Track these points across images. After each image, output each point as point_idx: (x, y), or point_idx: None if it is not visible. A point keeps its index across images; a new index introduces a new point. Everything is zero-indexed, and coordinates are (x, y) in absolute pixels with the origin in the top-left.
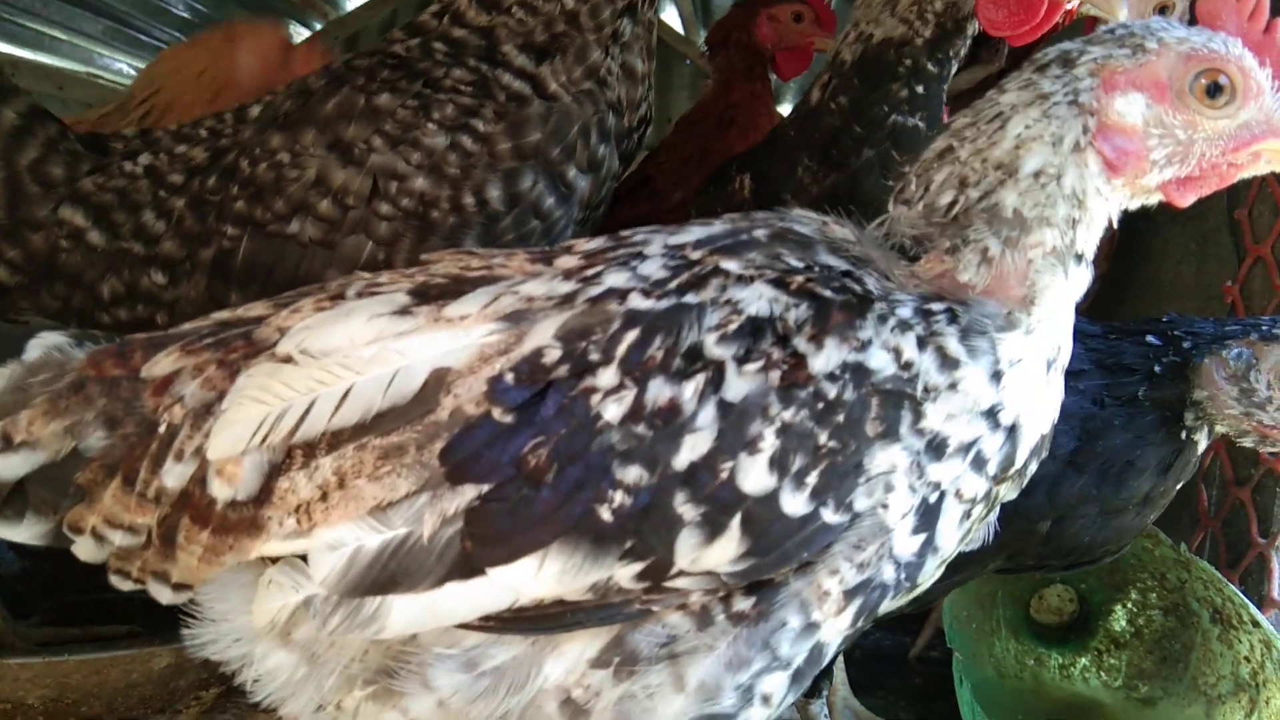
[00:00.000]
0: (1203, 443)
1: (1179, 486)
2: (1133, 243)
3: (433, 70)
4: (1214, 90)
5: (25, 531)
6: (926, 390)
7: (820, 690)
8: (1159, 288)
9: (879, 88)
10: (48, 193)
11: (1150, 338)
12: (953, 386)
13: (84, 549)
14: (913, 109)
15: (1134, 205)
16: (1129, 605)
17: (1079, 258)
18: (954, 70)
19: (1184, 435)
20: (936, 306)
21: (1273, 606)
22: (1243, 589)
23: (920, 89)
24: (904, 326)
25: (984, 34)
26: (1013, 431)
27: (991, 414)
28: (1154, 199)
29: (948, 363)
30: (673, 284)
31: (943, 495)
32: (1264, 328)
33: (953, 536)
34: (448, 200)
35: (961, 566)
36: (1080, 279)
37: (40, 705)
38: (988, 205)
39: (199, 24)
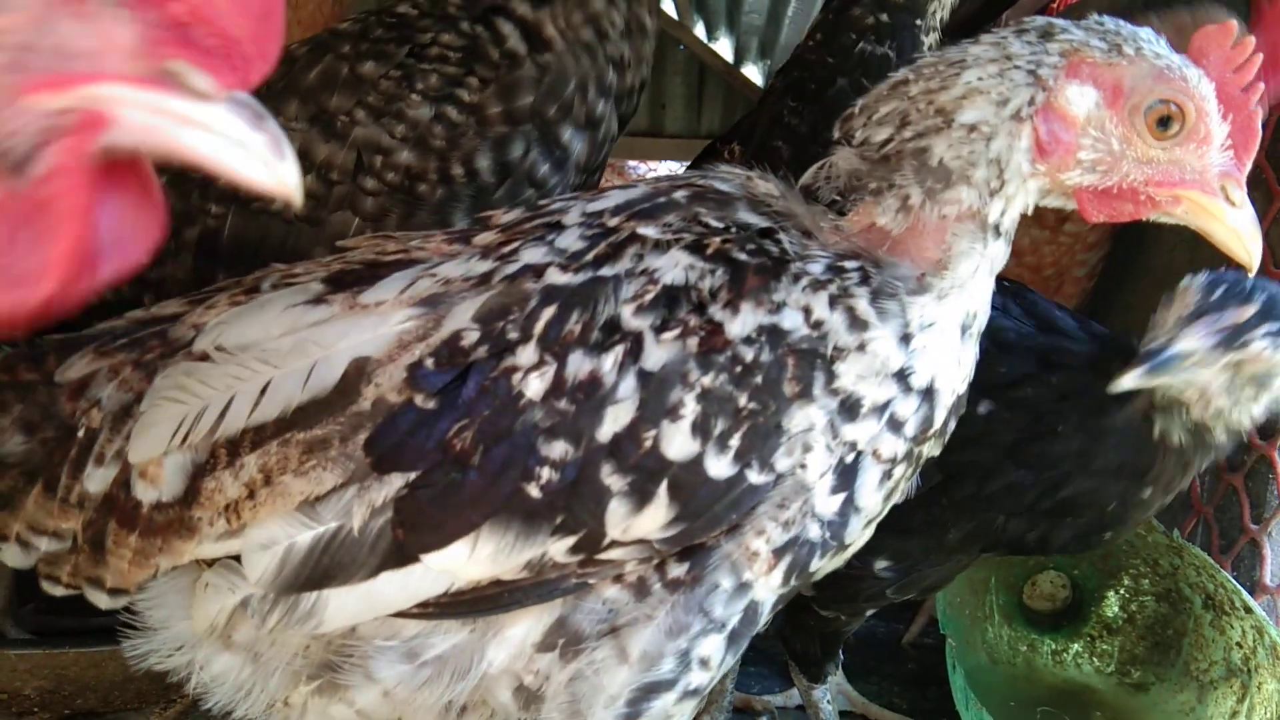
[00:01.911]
0: (1176, 433)
1: (1165, 500)
2: (1127, 227)
3: (419, 35)
4: (1165, 121)
5: None
6: (837, 350)
7: (825, 676)
8: (1152, 274)
9: (844, 13)
10: None
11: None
12: (861, 347)
13: (10, 555)
14: (879, 37)
15: (1047, 202)
16: (1121, 591)
17: (996, 230)
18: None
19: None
20: (850, 265)
21: (1265, 592)
22: (1235, 575)
23: (884, 17)
24: (816, 285)
25: (978, 23)
26: (928, 394)
27: (902, 376)
28: (1069, 204)
29: (857, 323)
30: (589, 255)
31: (860, 455)
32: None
33: (874, 497)
34: (435, 172)
35: (946, 556)
36: (998, 253)
37: (36, 696)
38: (918, 148)
39: None
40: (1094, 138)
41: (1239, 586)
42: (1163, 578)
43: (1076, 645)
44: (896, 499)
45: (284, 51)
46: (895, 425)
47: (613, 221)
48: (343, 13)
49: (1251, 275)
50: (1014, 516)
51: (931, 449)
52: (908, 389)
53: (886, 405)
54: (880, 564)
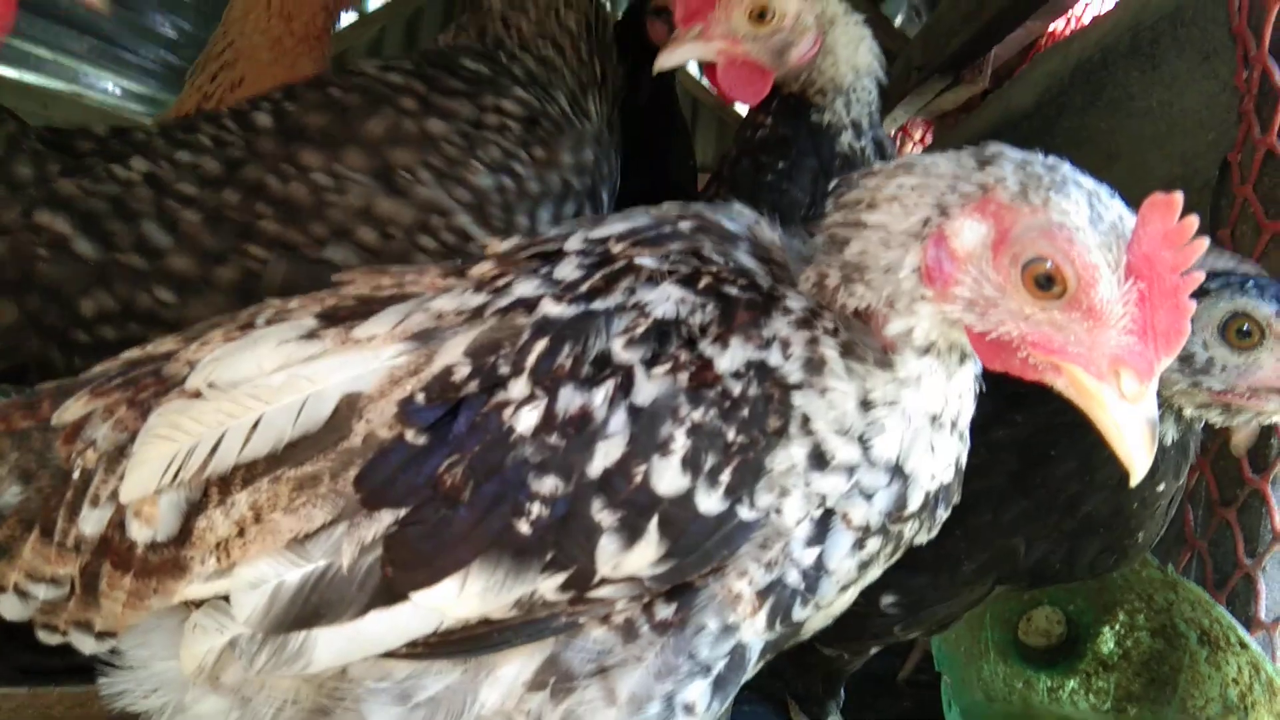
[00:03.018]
0: (1172, 434)
1: (1179, 484)
2: None
3: (484, 97)
4: (1046, 281)
5: None
6: (808, 386)
7: (826, 716)
8: None
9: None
10: (15, 194)
11: None
12: (824, 392)
13: (8, 607)
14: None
15: (943, 335)
16: (1117, 627)
17: (923, 349)
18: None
19: None
20: (827, 315)
21: (1260, 628)
22: (1230, 610)
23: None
24: (796, 324)
25: (967, 55)
26: (899, 473)
27: (864, 443)
28: (958, 336)
29: (823, 368)
30: (583, 288)
31: (831, 515)
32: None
33: (846, 562)
34: (490, 236)
35: (957, 591)
36: (931, 370)
37: None
38: (844, 236)
39: (184, 44)
40: (973, 276)
41: (1234, 622)
42: (1158, 613)
43: (1072, 682)
44: (875, 572)
45: (318, 94)
46: (865, 494)
47: (616, 248)
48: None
49: (1132, 484)
50: (1036, 540)
51: (919, 534)
52: (871, 462)
53: (853, 468)
54: (887, 600)
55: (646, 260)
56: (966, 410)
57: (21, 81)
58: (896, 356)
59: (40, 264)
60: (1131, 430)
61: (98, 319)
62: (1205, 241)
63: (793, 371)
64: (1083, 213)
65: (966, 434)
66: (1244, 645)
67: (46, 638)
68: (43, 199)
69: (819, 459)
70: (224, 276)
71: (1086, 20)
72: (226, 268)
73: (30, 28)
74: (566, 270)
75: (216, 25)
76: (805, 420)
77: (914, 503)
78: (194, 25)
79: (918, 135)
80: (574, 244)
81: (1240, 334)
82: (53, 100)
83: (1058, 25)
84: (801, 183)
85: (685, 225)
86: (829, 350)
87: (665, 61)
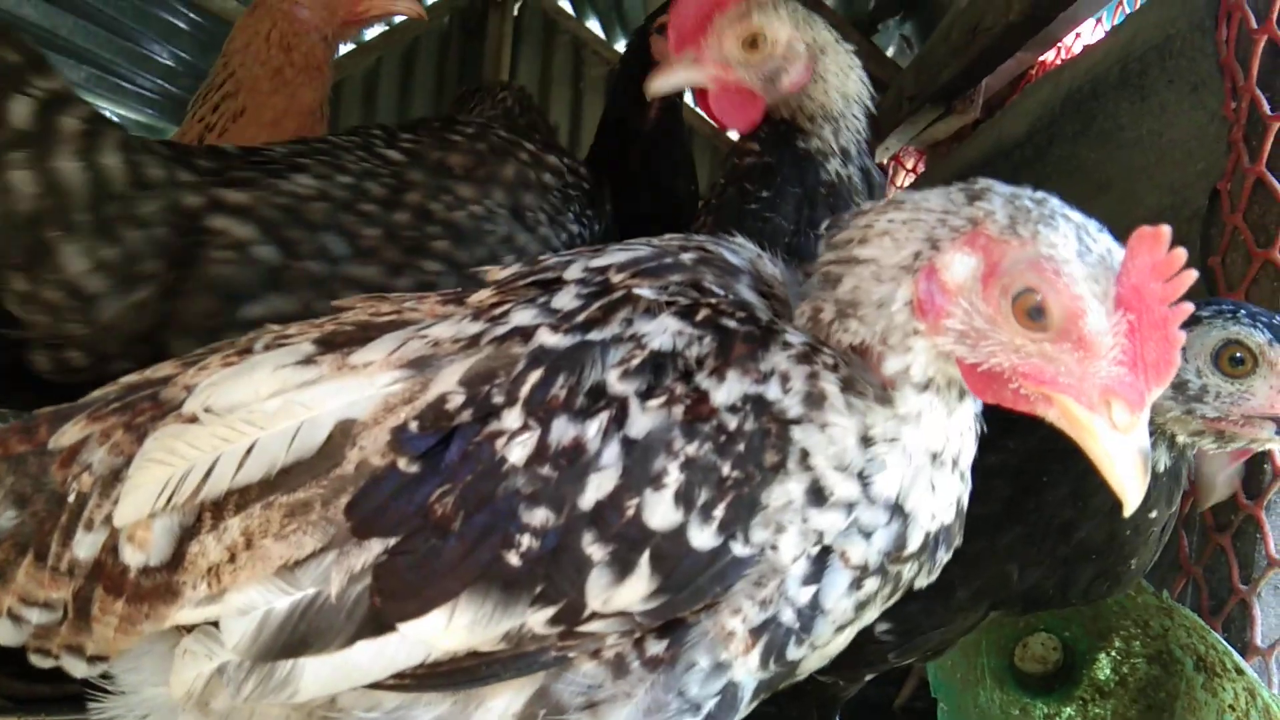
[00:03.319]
0: (1165, 460)
1: (1172, 511)
2: None
3: (562, 161)
4: (1037, 311)
5: None
6: (807, 421)
7: None
8: None
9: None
10: (147, 192)
11: None
12: (823, 427)
13: (2, 632)
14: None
15: (941, 370)
16: (1113, 653)
17: (922, 385)
18: None
19: None
20: (826, 350)
21: (1256, 654)
22: (1226, 636)
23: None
24: (797, 358)
25: (959, 86)
26: (898, 512)
27: (863, 480)
28: (950, 369)
29: (823, 403)
30: (580, 318)
31: (829, 552)
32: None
33: (843, 602)
34: None
35: (952, 618)
36: (930, 407)
37: None
38: (837, 274)
39: (183, 72)
40: (963, 308)
41: (1230, 648)
42: (1154, 639)
43: (1069, 709)
44: (871, 614)
45: (449, 137)
46: (864, 532)
47: (616, 278)
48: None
49: (1125, 514)
50: (1030, 566)
51: (918, 577)
52: (870, 499)
53: (852, 505)
54: (881, 627)
55: (645, 291)
56: (968, 449)
57: None
58: (896, 393)
59: (215, 265)
60: (1124, 460)
61: (265, 320)
62: (1194, 274)
63: (792, 406)
64: (1070, 245)
65: (968, 473)
66: (1240, 671)
67: (39, 661)
68: (215, 207)
69: (817, 495)
70: (402, 285)
71: (1076, 51)
72: (404, 278)
73: None
74: (565, 300)
75: (214, 54)
76: (804, 455)
77: (914, 543)
78: (192, 54)
79: (910, 164)
80: (573, 273)
81: (1233, 361)
82: None
83: (1048, 56)
84: (785, 210)
85: (687, 257)
86: (829, 385)
87: (658, 86)
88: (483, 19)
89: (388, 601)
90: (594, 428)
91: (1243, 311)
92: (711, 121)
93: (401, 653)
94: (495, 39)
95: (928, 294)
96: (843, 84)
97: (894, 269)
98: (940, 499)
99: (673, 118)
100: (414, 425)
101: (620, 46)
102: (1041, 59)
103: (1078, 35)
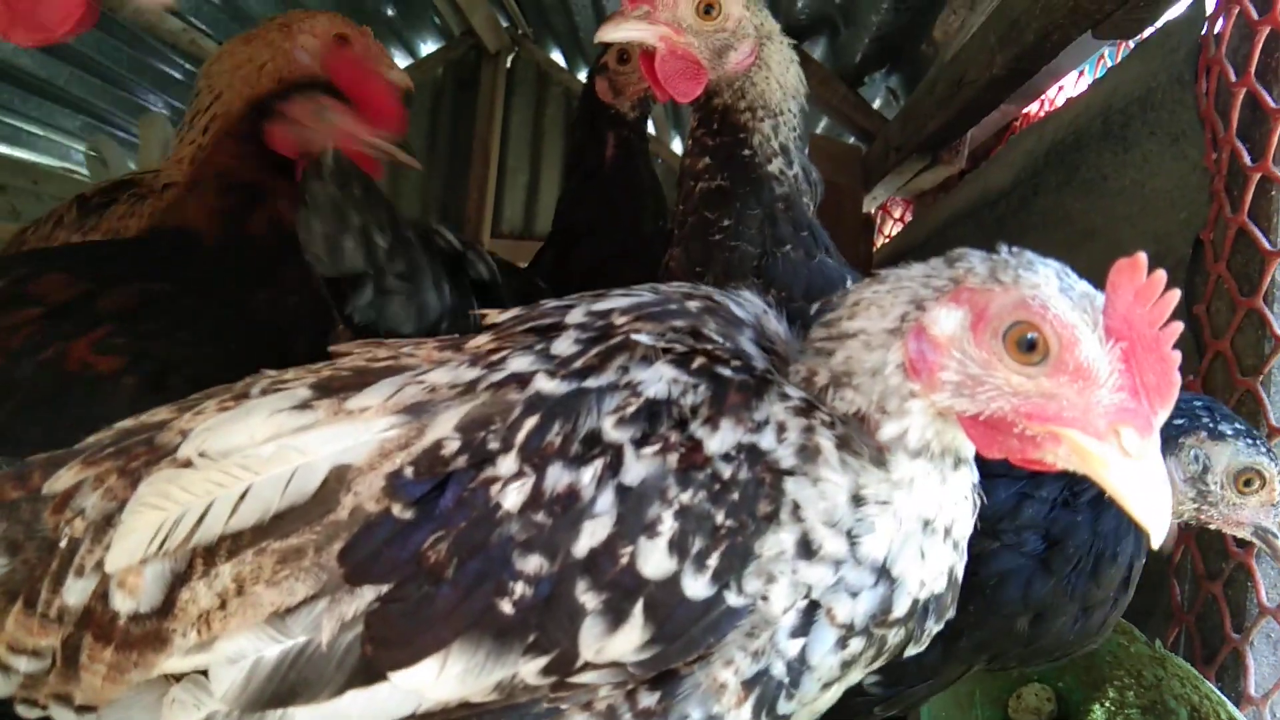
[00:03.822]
0: None
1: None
2: None
3: None
4: (1030, 345)
5: None
6: (801, 474)
7: None
8: None
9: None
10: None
11: None
12: (816, 481)
13: None
14: (710, 174)
15: (938, 434)
16: (1107, 704)
17: (915, 451)
18: None
19: None
20: (822, 408)
21: (1250, 703)
22: (1219, 685)
23: (706, 159)
24: (794, 411)
25: (944, 137)
26: (885, 575)
27: (851, 539)
28: (951, 429)
29: (817, 457)
30: (577, 364)
31: (816, 607)
32: (1205, 420)
33: (828, 659)
34: None
35: (941, 668)
36: (924, 473)
37: None
38: (826, 349)
39: (176, 120)
40: (957, 359)
41: (1224, 698)
42: (1147, 689)
43: None
44: (856, 675)
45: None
46: (850, 591)
47: (619, 321)
48: (355, 48)
49: (1153, 546)
50: (1057, 615)
51: (908, 645)
52: (857, 560)
53: (840, 562)
54: (870, 679)
55: (644, 337)
56: (963, 519)
57: (14, 158)
58: (890, 457)
59: None
60: (1141, 488)
61: None
62: (1177, 294)
63: (786, 457)
64: (1052, 284)
65: (964, 545)
66: None
67: (26, 712)
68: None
69: (806, 548)
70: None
71: (1060, 103)
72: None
73: (24, 105)
74: (563, 345)
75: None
76: (795, 507)
77: (900, 608)
78: (186, 103)
79: (897, 214)
80: (575, 317)
81: (1247, 483)
82: (44, 176)
83: (1032, 108)
84: (749, 235)
85: (692, 305)
86: (824, 440)
87: (606, 34)
88: (476, 71)
89: (379, 650)
90: (589, 475)
91: (1260, 442)
92: (653, 88)
93: (392, 703)
94: (488, 91)
95: (918, 353)
96: (783, 75)
97: (883, 334)
98: (930, 567)
99: (634, 155)
100: (409, 471)
101: None
102: (1025, 111)
103: (1060, 88)
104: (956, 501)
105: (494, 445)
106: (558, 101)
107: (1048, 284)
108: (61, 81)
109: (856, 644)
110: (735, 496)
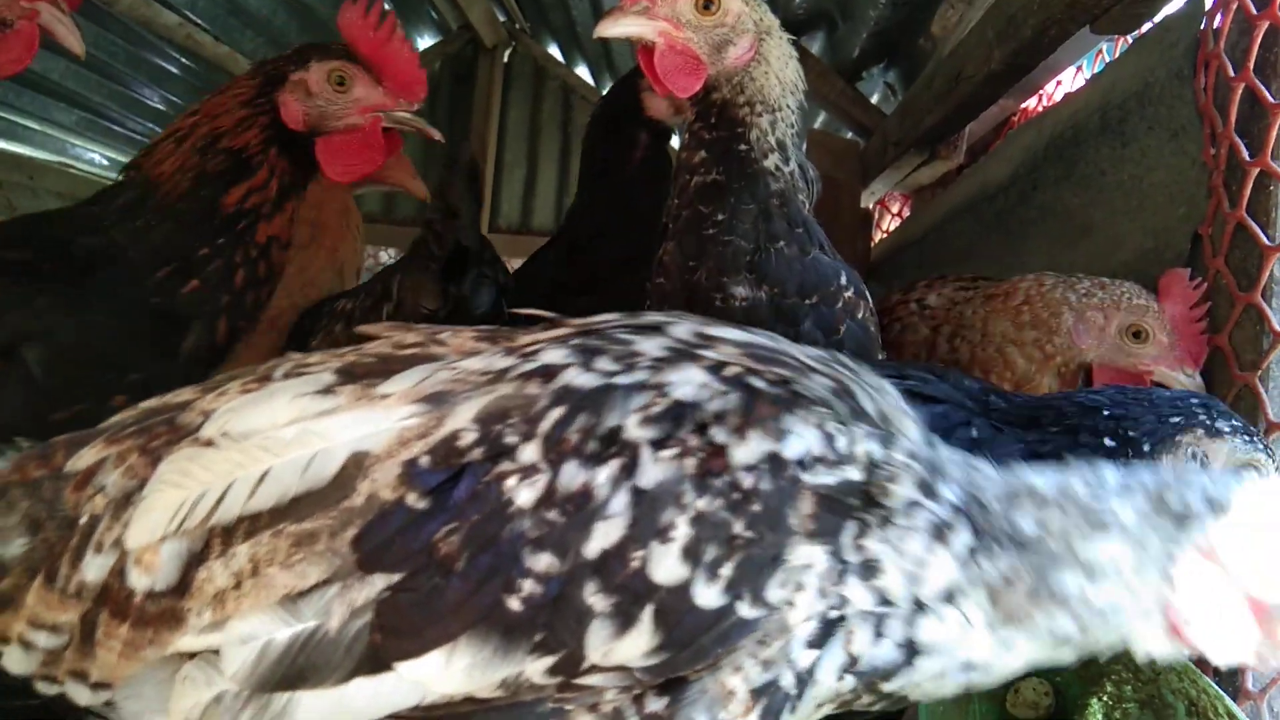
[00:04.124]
0: None
1: None
2: None
3: None
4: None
5: None
6: (894, 523)
7: None
8: None
9: (681, 154)
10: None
11: (1107, 440)
12: (919, 559)
13: (13, 659)
14: (707, 168)
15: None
16: (1105, 698)
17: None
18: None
19: None
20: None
21: (1248, 698)
22: (1217, 680)
23: (703, 153)
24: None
25: (942, 132)
26: (913, 652)
27: (920, 608)
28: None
29: (944, 536)
30: (616, 366)
31: (841, 621)
32: (1201, 418)
33: (829, 680)
34: None
35: None
36: (1043, 652)
37: None
38: (1054, 574)
39: (174, 115)
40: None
41: (1222, 692)
42: (1145, 684)
43: None
44: (831, 709)
45: None
46: (876, 634)
47: (728, 352)
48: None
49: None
50: None
51: (872, 700)
52: (908, 625)
53: (891, 612)
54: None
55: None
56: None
57: (10, 152)
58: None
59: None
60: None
61: None
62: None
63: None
64: None
65: None
66: (1232, 716)
67: (44, 689)
68: None
69: (868, 569)
70: None
71: (1058, 98)
72: None
73: (18, 100)
74: (649, 346)
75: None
76: (862, 532)
77: (892, 685)
78: (183, 98)
79: (895, 209)
80: (679, 331)
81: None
82: (40, 171)
83: (1030, 103)
84: (743, 230)
85: (816, 372)
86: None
87: (605, 30)
88: (473, 65)
89: (388, 639)
90: (604, 475)
91: (1256, 436)
92: (652, 83)
93: (398, 693)
94: (485, 85)
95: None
96: (783, 70)
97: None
98: (936, 685)
99: (661, 161)
100: (425, 460)
101: None
102: (1024, 106)
103: (1059, 83)
104: (1014, 665)
105: (511, 439)
106: (555, 96)
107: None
108: (57, 76)
109: (851, 681)
110: (757, 508)
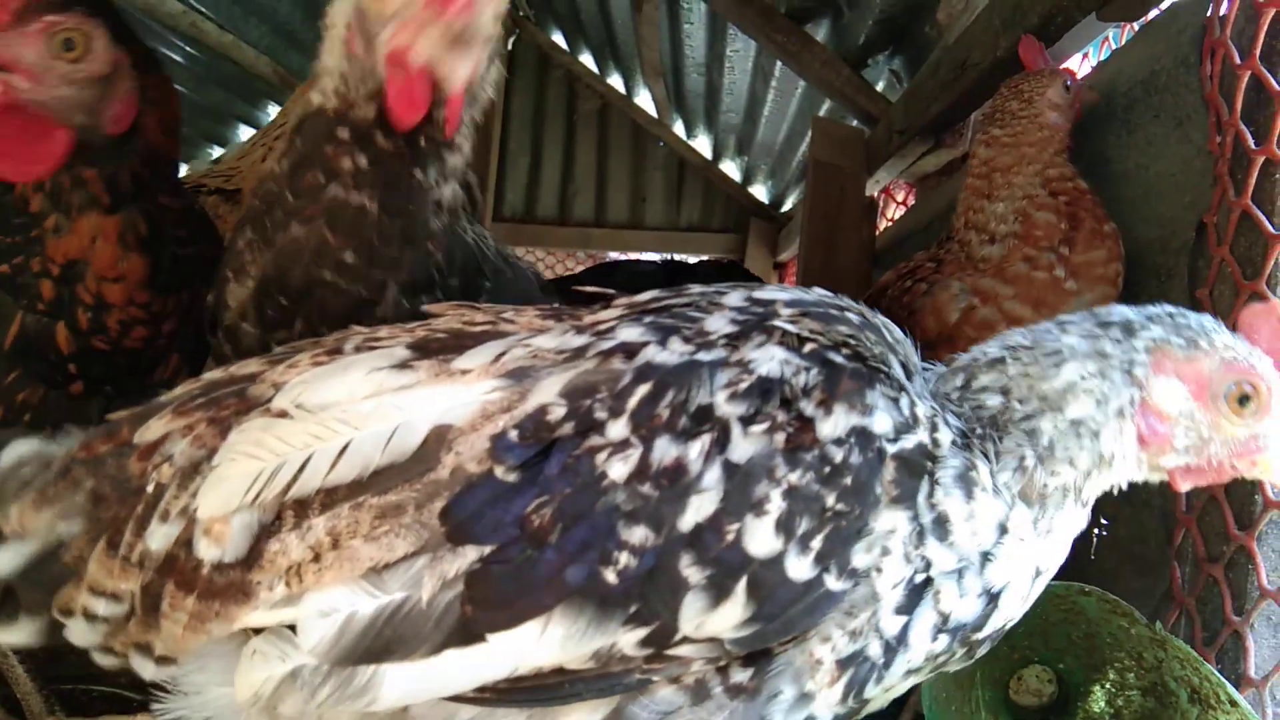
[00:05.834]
0: None
1: None
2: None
3: None
4: (1244, 400)
5: (21, 632)
6: (945, 470)
7: None
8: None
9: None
10: None
11: None
12: (969, 511)
13: (77, 631)
14: (358, 184)
15: (1144, 477)
16: (1107, 685)
17: (1083, 501)
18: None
19: None
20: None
21: (1250, 685)
22: (1219, 667)
23: (364, 163)
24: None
25: (948, 120)
26: (993, 599)
27: (986, 558)
28: (1159, 477)
29: (972, 482)
30: (693, 343)
31: (929, 584)
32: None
33: (923, 643)
34: None
35: None
36: (1078, 519)
37: None
38: (1029, 427)
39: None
40: (1185, 426)
41: (1224, 680)
42: (1148, 671)
43: None
44: (928, 672)
45: None
46: (961, 592)
47: (783, 313)
48: None
49: None
50: None
51: (964, 656)
52: (981, 574)
53: (965, 566)
54: None
55: (799, 328)
56: (1058, 562)
57: None
58: (1047, 502)
59: None
60: None
61: None
62: None
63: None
64: (1229, 338)
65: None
66: (1234, 703)
67: (104, 661)
68: None
69: (941, 527)
70: None
71: None
72: None
73: None
74: (718, 323)
75: (211, 87)
76: (934, 489)
77: (985, 631)
78: (188, 87)
79: (900, 197)
80: (734, 300)
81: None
82: None
83: None
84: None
85: (851, 315)
86: (982, 474)
87: None
88: None
89: (480, 610)
90: (696, 449)
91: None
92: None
93: (490, 665)
94: None
95: (1150, 429)
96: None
97: (1113, 419)
98: (1022, 606)
99: None
100: (513, 434)
101: (613, 80)
102: None
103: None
104: (1064, 546)
105: (601, 414)
106: (559, 83)
107: (1233, 340)
108: None
109: (944, 640)
110: (848, 481)
